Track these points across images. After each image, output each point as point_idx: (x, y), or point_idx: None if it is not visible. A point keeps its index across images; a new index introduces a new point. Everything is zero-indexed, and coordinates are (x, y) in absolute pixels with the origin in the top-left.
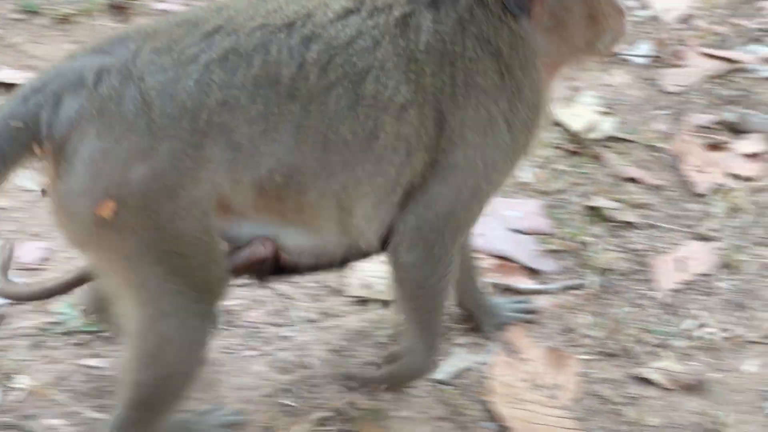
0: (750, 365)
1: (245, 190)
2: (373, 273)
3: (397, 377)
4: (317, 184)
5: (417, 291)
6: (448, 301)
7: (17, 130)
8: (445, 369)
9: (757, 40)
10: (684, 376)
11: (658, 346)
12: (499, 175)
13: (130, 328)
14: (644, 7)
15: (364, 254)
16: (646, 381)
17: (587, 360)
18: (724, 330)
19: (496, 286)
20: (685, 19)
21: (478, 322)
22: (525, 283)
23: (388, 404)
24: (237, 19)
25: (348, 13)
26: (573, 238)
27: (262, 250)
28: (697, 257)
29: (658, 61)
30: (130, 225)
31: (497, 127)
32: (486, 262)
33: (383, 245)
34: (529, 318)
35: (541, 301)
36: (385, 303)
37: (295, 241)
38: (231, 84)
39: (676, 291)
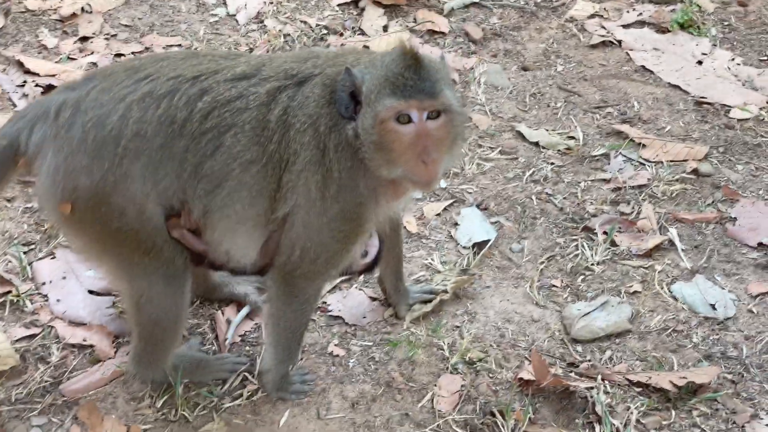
0: (285, 417)
1: (160, 197)
2: None
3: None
4: (198, 203)
5: (274, 315)
6: (304, 330)
7: (3, 146)
8: None
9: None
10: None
11: (210, 408)
12: (320, 239)
13: (118, 286)
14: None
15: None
16: None
17: (151, 429)
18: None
19: (76, 346)
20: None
21: (393, 303)
22: (106, 345)
23: None
24: (164, 68)
25: (243, 77)
26: None
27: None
28: None
29: None
30: (85, 219)
31: (310, 195)
32: (67, 330)
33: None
34: (431, 298)
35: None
36: None
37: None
38: (143, 120)
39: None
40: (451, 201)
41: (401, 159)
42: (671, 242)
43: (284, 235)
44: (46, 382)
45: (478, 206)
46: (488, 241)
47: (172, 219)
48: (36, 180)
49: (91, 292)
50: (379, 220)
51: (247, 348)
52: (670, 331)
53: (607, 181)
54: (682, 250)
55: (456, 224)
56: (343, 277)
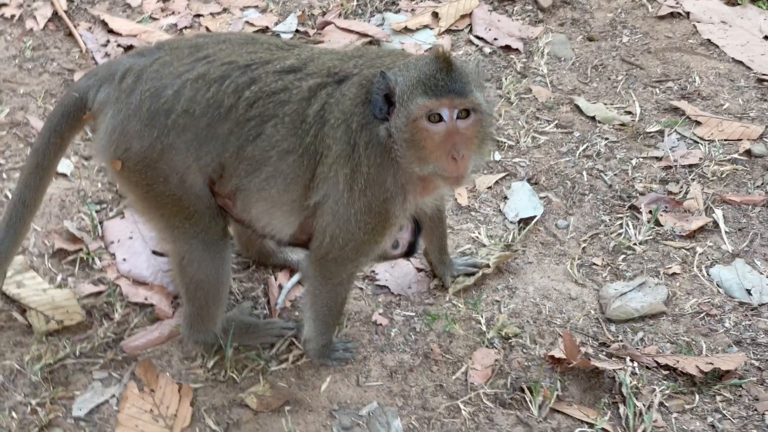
0: (326, 383)
1: (201, 170)
2: None
3: (310, 352)
4: (234, 181)
5: (311, 294)
6: (342, 306)
7: (76, 99)
8: (82, 405)
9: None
10: (272, 399)
11: (257, 371)
12: (347, 227)
13: (165, 246)
14: None
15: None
16: (245, 406)
17: (201, 388)
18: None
19: (138, 305)
20: None
21: (439, 275)
22: (165, 305)
23: None
24: (222, 52)
25: (290, 70)
26: None
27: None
28: None
29: (304, 36)
30: (132, 179)
31: (339, 186)
32: (131, 289)
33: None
34: (474, 271)
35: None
36: None
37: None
38: (193, 99)
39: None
40: (503, 174)
41: (432, 156)
42: (716, 224)
43: (316, 221)
44: (108, 338)
45: (528, 180)
46: (534, 216)
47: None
48: (95, 135)
49: (154, 252)
50: (406, 216)
51: (296, 313)
52: (703, 314)
53: (659, 159)
54: (726, 232)
55: (506, 198)
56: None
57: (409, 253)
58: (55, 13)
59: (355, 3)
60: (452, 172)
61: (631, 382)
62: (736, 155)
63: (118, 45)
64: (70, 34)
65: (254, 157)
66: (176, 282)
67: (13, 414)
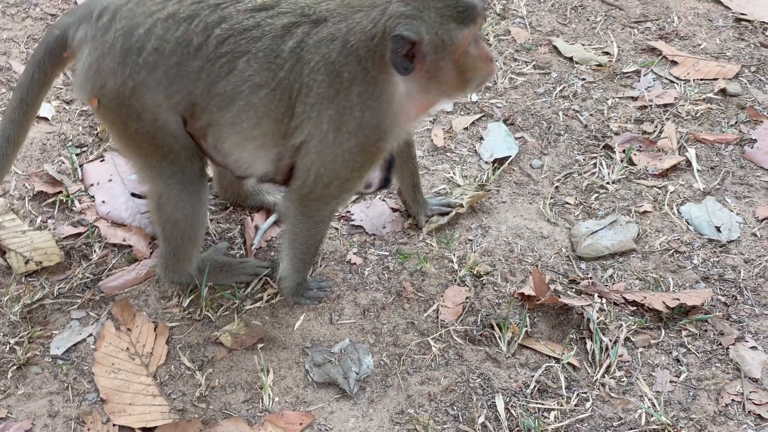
0: (300, 321)
1: (173, 109)
2: None
3: (284, 290)
4: (205, 117)
5: (291, 232)
6: (320, 245)
7: (57, 35)
8: (60, 344)
9: None
10: (246, 337)
11: (232, 309)
12: (334, 166)
13: (144, 185)
14: None
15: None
16: (219, 343)
17: (177, 326)
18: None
19: (116, 246)
20: None
21: (413, 214)
22: (143, 246)
23: (9, 383)
24: None
25: (261, 8)
26: None
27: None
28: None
29: None
30: (109, 116)
31: (323, 126)
32: (109, 230)
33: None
34: (448, 211)
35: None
36: None
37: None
38: (163, 38)
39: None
40: (479, 115)
41: (476, 71)
42: (688, 162)
43: (300, 160)
44: (86, 278)
45: (504, 121)
46: (509, 156)
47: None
48: (74, 72)
49: (133, 195)
50: (393, 147)
51: (272, 253)
52: (672, 251)
53: (634, 99)
54: (698, 170)
55: (481, 139)
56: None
57: (384, 186)
58: None
59: None
60: (491, 70)
61: (598, 318)
62: (711, 94)
63: None
64: None
65: (226, 92)
66: (153, 221)
67: None
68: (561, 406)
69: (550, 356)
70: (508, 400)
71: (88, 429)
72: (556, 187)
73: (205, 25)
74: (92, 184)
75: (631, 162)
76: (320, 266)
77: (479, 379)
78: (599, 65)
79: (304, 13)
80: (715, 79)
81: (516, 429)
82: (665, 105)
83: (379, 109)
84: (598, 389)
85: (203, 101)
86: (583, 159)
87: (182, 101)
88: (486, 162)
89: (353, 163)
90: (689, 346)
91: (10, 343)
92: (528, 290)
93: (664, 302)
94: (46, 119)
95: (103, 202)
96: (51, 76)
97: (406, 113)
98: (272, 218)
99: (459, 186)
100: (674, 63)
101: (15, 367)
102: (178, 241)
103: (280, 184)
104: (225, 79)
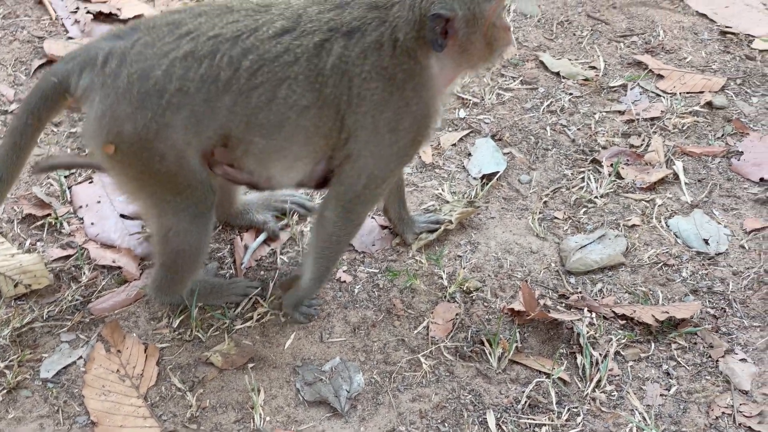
0: (291, 340)
1: (202, 144)
2: None
3: (287, 300)
4: (244, 146)
5: (326, 238)
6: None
7: (54, 83)
8: (50, 367)
9: None
10: (237, 357)
11: (222, 329)
12: (388, 165)
13: (149, 219)
14: None
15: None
16: (210, 364)
17: (167, 347)
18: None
19: (106, 267)
20: None
21: (399, 232)
22: (132, 267)
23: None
24: (202, 26)
25: (284, 32)
26: None
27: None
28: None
29: None
30: (126, 160)
31: (380, 130)
32: (98, 252)
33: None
34: (436, 228)
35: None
36: None
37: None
38: (185, 77)
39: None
40: (467, 131)
41: (501, 41)
42: (676, 176)
43: (348, 166)
44: (76, 300)
45: (492, 137)
46: (497, 172)
47: (212, 157)
48: (84, 121)
49: (122, 216)
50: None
51: (262, 273)
52: (661, 265)
53: (621, 113)
54: (686, 183)
55: (469, 155)
56: None
57: None
58: None
59: None
60: (511, 39)
61: (588, 333)
62: (697, 107)
63: (88, 12)
64: (41, 2)
65: (270, 121)
66: (156, 251)
67: None
68: (552, 421)
69: (540, 371)
70: (499, 415)
71: None
72: (545, 202)
73: (229, 58)
74: (81, 206)
75: (618, 176)
76: None
77: (470, 396)
78: (586, 80)
79: (331, 27)
80: (701, 92)
81: None
82: (652, 118)
83: (429, 97)
84: (589, 404)
85: (240, 133)
86: (571, 173)
87: (214, 136)
88: (474, 178)
89: (405, 158)
90: (679, 359)
91: None
92: (518, 305)
93: (653, 315)
94: None
95: (92, 223)
96: (45, 121)
97: (441, 91)
98: (261, 237)
99: (448, 202)
100: (660, 76)
101: (5, 391)
102: (178, 268)
103: (313, 189)
104: (267, 108)
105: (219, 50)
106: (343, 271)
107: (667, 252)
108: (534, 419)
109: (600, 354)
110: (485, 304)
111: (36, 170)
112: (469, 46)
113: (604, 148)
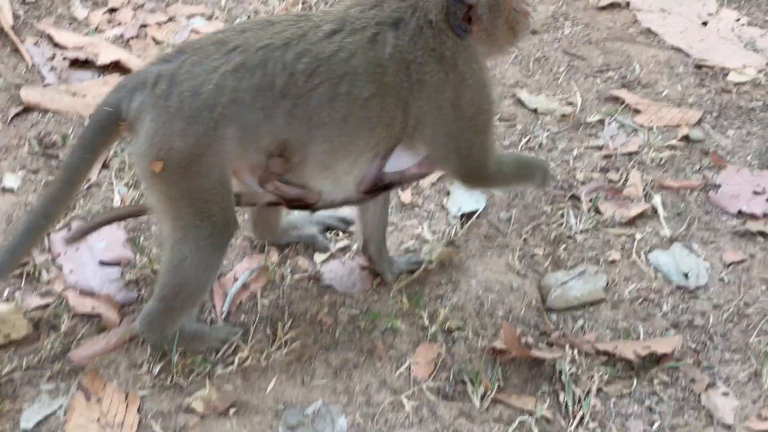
0: (272, 384)
1: (251, 156)
2: None
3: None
4: (303, 151)
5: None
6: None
7: (108, 112)
8: (30, 417)
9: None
10: (218, 402)
11: (203, 375)
12: (465, 135)
13: (166, 245)
14: None
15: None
16: (191, 410)
17: (148, 395)
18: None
19: (85, 315)
20: None
21: (379, 271)
22: (112, 315)
23: None
24: (250, 40)
25: (333, 33)
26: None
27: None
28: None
29: None
30: (172, 177)
31: (445, 110)
32: (78, 300)
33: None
34: (417, 268)
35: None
36: None
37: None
38: (239, 89)
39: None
40: None
41: (522, 25)
42: (654, 210)
43: (434, 154)
44: (56, 349)
45: None
46: (477, 210)
47: (265, 172)
48: (133, 142)
49: (101, 262)
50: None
51: (242, 316)
52: (641, 300)
53: (599, 148)
54: (665, 217)
55: (449, 193)
56: (339, 247)
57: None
58: (1, 30)
59: (300, 7)
60: (530, 23)
61: (570, 370)
62: (674, 141)
63: (64, 58)
64: (16, 50)
65: (332, 118)
66: (161, 282)
67: None
68: None
69: (523, 410)
70: None
71: None
72: (525, 239)
73: (283, 64)
74: (60, 254)
75: (597, 211)
76: (289, 332)
77: None
78: (564, 116)
79: (378, 22)
80: (678, 126)
81: None
82: (630, 153)
83: (480, 68)
84: None
85: (301, 137)
86: (551, 210)
87: (271, 144)
88: (454, 216)
89: (483, 126)
90: (661, 395)
91: None
92: (499, 344)
93: (635, 351)
94: (11, 190)
95: (71, 271)
96: (100, 153)
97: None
98: (240, 281)
99: (427, 242)
100: (637, 111)
101: None
102: (177, 303)
103: (358, 202)
104: (329, 106)
105: (270, 58)
106: (325, 313)
107: (647, 286)
108: None
109: (582, 391)
110: (467, 343)
111: (72, 239)
112: (494, 30)
113: (583, 183)
